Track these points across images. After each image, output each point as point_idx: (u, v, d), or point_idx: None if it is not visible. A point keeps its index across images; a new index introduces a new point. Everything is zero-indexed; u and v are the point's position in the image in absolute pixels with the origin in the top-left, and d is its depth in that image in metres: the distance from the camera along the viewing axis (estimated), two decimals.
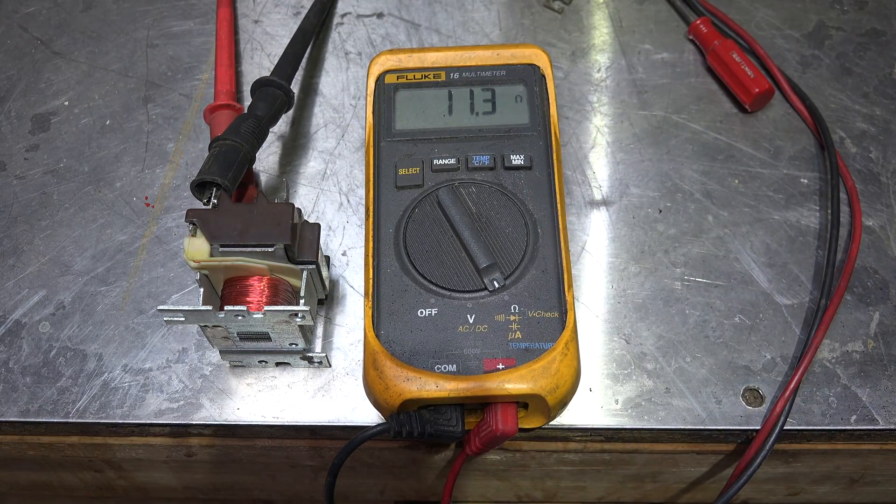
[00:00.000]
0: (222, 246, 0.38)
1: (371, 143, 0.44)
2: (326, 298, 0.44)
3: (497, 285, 0.39)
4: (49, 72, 0.54)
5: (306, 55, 0.52)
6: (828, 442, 0.42)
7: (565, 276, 0.39)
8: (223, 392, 0.42)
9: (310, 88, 0.53)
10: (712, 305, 0.44)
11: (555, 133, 0.44)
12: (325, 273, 0.42)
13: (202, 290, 0.39)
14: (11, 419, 0.42)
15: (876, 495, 0.50)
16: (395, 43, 0.55)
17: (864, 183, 0.48)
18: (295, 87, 0.52)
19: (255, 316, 0.37)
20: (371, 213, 0.42)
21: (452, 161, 0.43)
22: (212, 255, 0.39)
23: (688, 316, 0.44)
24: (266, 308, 0.37)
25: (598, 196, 0.48)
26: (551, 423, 0.40)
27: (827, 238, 0.46)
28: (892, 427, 0.41)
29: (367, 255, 0.41)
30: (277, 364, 0.43)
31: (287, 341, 0.40)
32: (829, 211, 0.47)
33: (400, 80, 0.46)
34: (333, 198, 0.48)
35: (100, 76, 0.54)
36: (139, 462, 0.45)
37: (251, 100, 0.46)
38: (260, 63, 0.54)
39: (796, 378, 0.41)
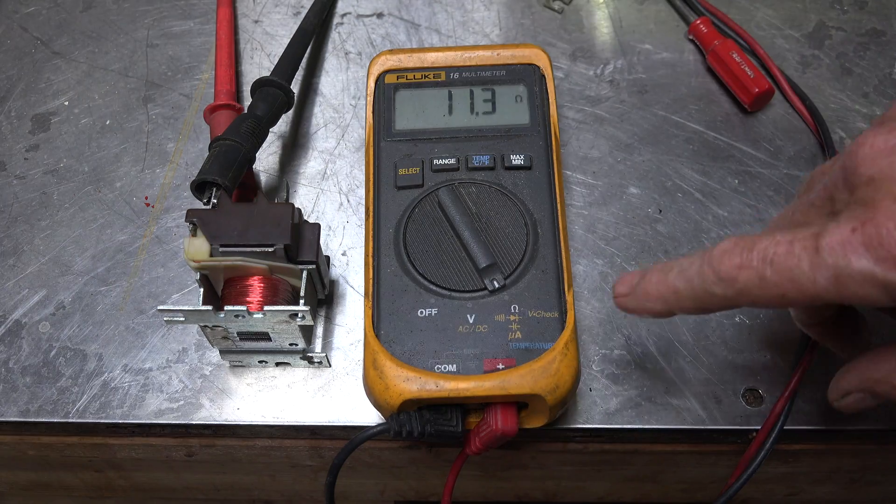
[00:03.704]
0: (222, 246, 0.38)
1: (371, 143, 0.44)
2: (326, 298, 0.44)
3: (497, 285, 0.39)
4: (49, 72, 0.54)
5: (306, 55, 0.52)
6: (828, 442, 0.42)
7: (565, 276, 0.39)
8: (223, 392, 0.42)
9: (310, 88, 0.53)
10: None
11: (555, 133, 0.44)
12: (325, 273, 0.42)
13: (202, 290, 0.39)
14: (11, 419, 0.42)
15: (876, 495, 0.50)
16: (395, 43, 0.55)
17: None
18: (295, 87, 0.52)
19: (255, 316, 0.37)
20: (371, 213, 0.42)
21: (452, 161, 0.43)
22: (212, 255, 0.39)
23: (688, 316, 0.44)
24: (266, 308, 0.37)
25: (598, 196, 0.48)
26: (551, 423, 0.40)
27: None
28: (893, 427, 0.41)
29: (367, 255, 0.41)
30: (277, 364, 0.43)
31: (287, 341, 0.40)
32: None
33: (400, 80, 0.46)
34: (333, 198, 0.48)
35: (100, 76, 0.54)
36: (139, 462, 0.45)
37: (251, 100, 0.46)
38: (260, 63, 0.54)
39: (796, 378, 0.41)
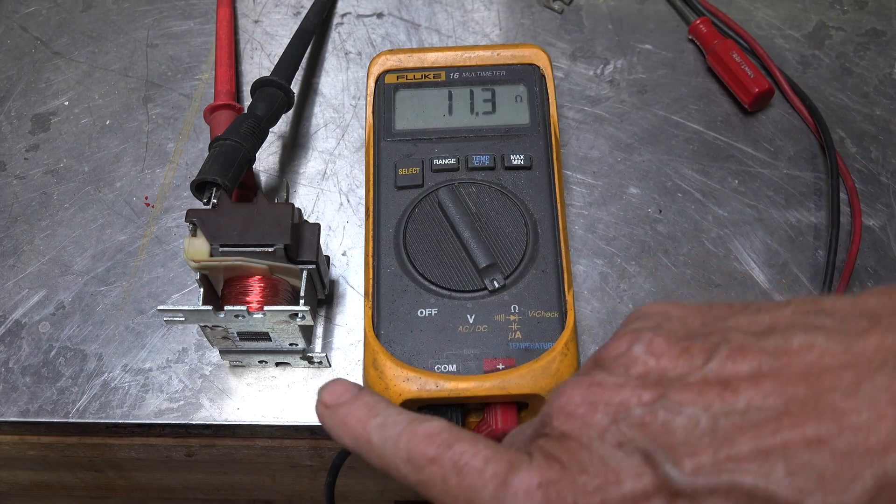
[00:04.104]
0: (222, 246, 0.38)
1: (371, 143, 0.44)
2: (326, 298, 0.44)
3: (497, 285, 0.39)
4: (49, 72, 0.54)
5: (306, 55, 0.52)
6: None
7: (565, 276, 0.39)
8: (223, 392, 0.42)
9: (310, 88, 0.53)
10: None
11: (555, 133, 0.44)
12: (325, 273, 0.42)
13: (202, 290, 0.39)
14: (11, 419, 0.42)
15: None
16: (395, 43, 0.55)
17: (864, 183, 0.48)
18: (295, 87, 0.52)
19: (255, 316, 0.37)
20: (371, 213, 0.42)
21: (452, 161, 0.43)
22: (212, 255, 0.39)
23: None
24: (266, 308, 0.37)
25: (598, 196, 0.48)
26: None
27: (827, 238, 0.46)
28: None
29: (367, 255, 0.41)
30: (277, 364, 0.43)
31: (287, 341, 0.40)
32: (829, 211, 0.47)
33: (400, 80, 0.46)
34: (333, 198, 0.48)
35: (100, 76, 0.54)
36: (139, 462, 0.45)
37: (251, 100, 0.46)
38: (260, 63, 0.54)
39: None
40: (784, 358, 0.23)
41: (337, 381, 0.31)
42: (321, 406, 0.30)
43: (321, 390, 0.31)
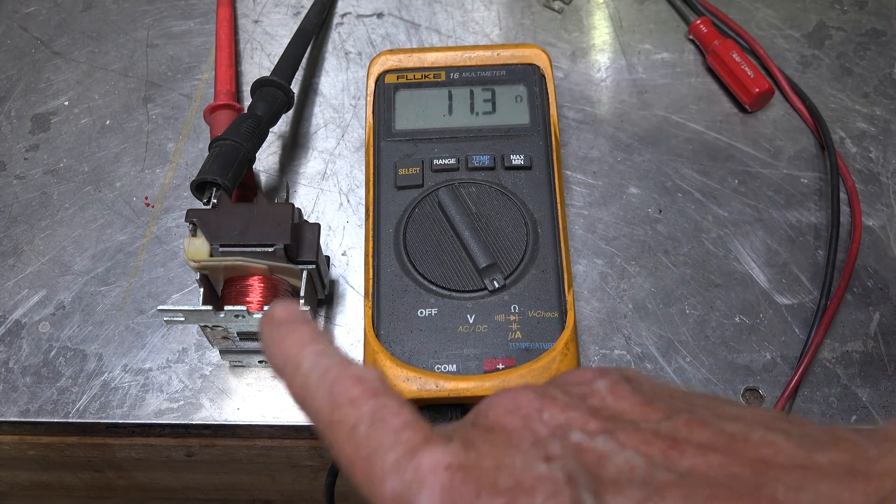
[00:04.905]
0: (222, 246, 0.38)
1: (371, 143, 0.44)
2: (326, 298, 0.44)
3: (497, 285, 0.39)
4: (49, 72, 0.54)
5: (306, 55, 0.52)
6: None
7: (565, 276, 0.39)
8: (223, 392, 0.42)
9: (310, 88, 0.53)
10: (712, 305, 0.44)
11: (555, 133, 0.44)
12: (325, 273, 0.42)
13: (202, 290, 0.39)
14: (11, 419, 0.42)
15: None
16: (395, 43, 0.55)
17: (864, 183, 0.48)
18: (295, 87, 0.52)
19: (255, 316, 0.37)
20: (371, 213, 0.42)
21: (452, 161, 0.43)
22: (212, 255, 0.39)
23: (688, 316, 0.44)
24: (266, 308, 0.37)
25: (598, 196, 0.48)
26: None
27: (827, 238, 0.46)
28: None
29: (367, 255, 0.41)
30: None
31: None
32: (829, 211, 0.47)
33: (400, 80, 0.46)
34: (333, 198, 0.48)
35: (100, 76, 0.54)
36: (139, 462, 0.45)
37: (251, 100, 0.46)
38: (260, 63, 0.54)
39: (796, 378, 0.41)
40: (740, 444, 0.22)
41: (291, 303, 0.28)
42: (267, 317, 0.28)
43: (272, 304, 0.28)
